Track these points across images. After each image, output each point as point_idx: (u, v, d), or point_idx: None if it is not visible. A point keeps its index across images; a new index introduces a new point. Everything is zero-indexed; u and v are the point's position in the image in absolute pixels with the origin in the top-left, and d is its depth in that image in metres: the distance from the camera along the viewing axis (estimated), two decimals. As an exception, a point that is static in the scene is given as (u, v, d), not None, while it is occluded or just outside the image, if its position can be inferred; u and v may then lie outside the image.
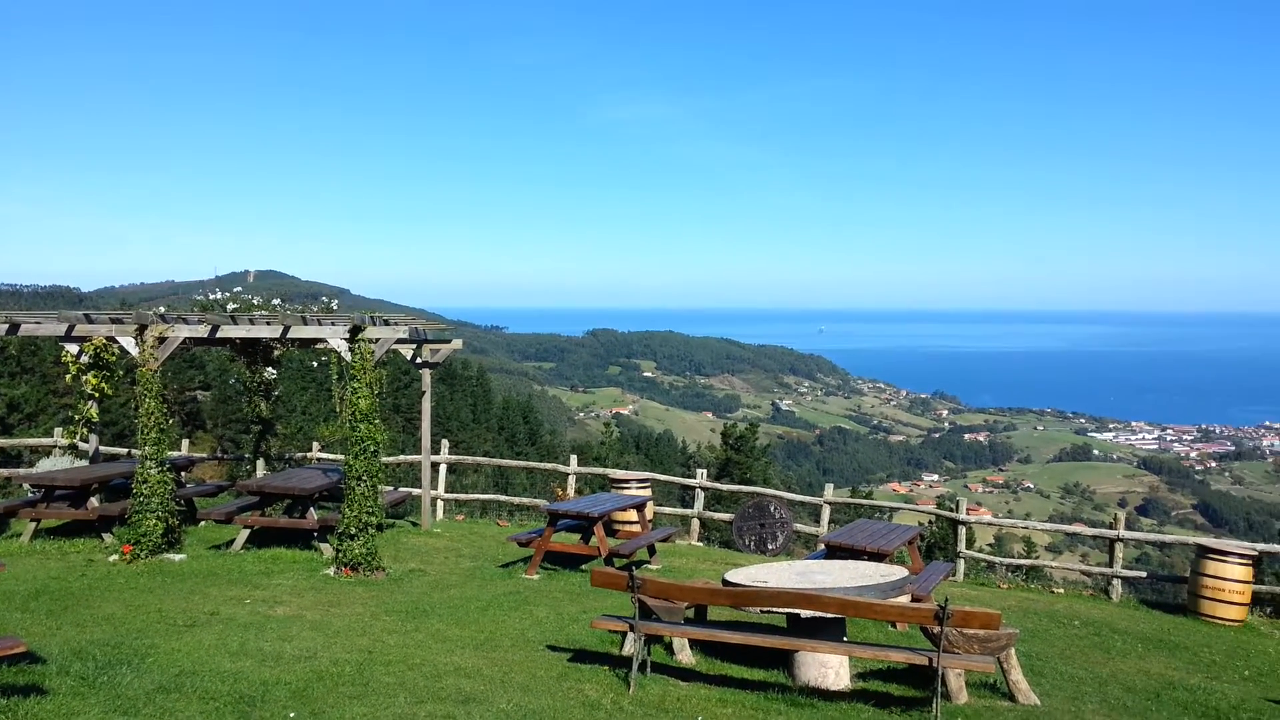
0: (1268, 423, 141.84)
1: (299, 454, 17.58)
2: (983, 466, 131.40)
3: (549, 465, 18.23)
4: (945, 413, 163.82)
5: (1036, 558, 21.14)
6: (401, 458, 17.64)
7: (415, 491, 15.46)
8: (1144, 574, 14.16)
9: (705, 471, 16.80)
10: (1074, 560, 35.50)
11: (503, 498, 18.06)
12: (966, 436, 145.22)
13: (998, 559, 15.15)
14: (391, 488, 15.33)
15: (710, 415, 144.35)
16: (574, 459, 17.02)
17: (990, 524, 19.41)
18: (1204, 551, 12.47)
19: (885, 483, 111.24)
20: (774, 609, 7.18)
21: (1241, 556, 12.17)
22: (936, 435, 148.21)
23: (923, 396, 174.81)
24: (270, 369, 15.07)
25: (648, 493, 15.38)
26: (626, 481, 15.55)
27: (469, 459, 19.04)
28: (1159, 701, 8.00)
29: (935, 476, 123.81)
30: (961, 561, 14.39)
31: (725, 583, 7.78)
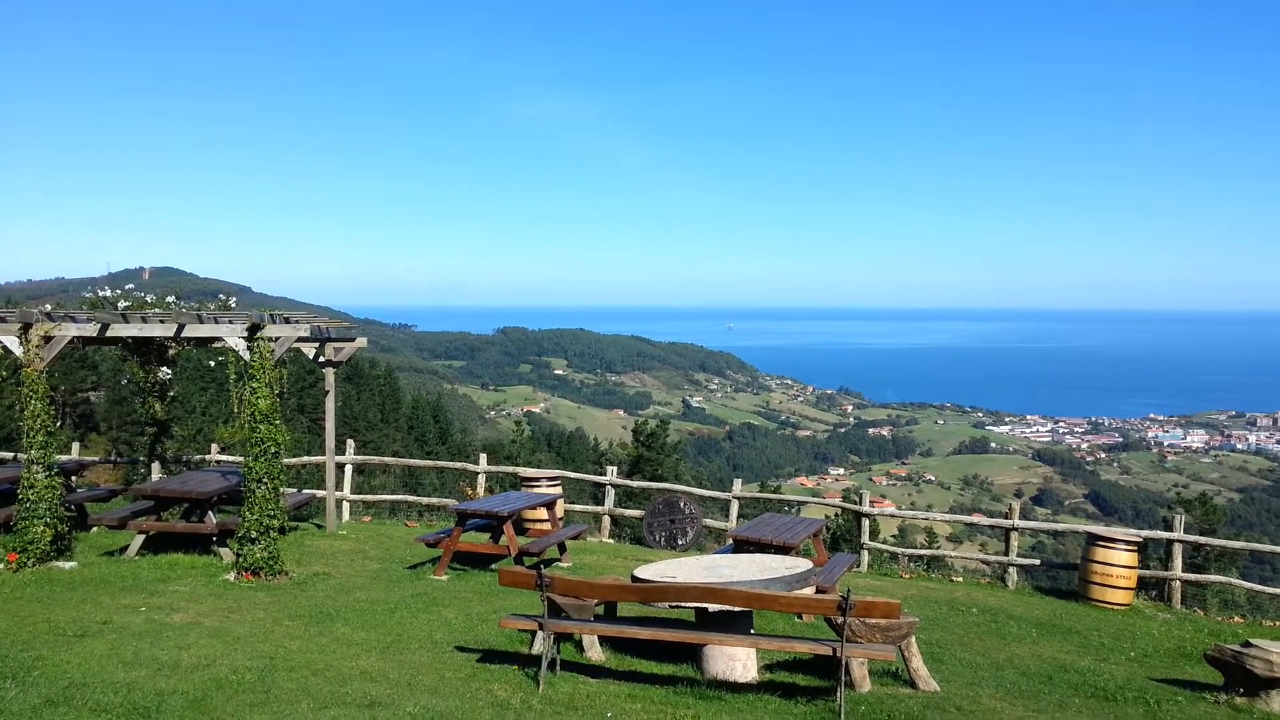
0: (1152, 415, 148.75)
1: (198, 456, 17.06)
2: (886, 460, 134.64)
3: (458, 464, 18.05)
4: (850, 408, 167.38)
5: (938, 548, 21.73)
6: (306, 459, 17.27)
7: (320, 493, 15.14)
8: (1038, 561, 14.73)
9: (616, 469, 16.86)
10: (973, 549, 36.65)
11: (411, 498, 17.82)
12: (871, 431, 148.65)
13: (900, 550, 15.55)
14: (294, 490, 14.98)
15: (621, 413, 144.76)
16: (484, 458, 16.89)
17: (893, 516, 19.91)
18: (1093, 539, 13.02)
19: (793, 477, 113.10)
20: (682, 604, 7.25)
21: (1128, 543, 12.75)
22: (842, 430, 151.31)
23: (828, 392, 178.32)
24: (165, 369, 14.57)
25: (558, 490, 15.35)
26: (537, 479, 15.49)
27: (376, 459, 18.75)
28: (1051, 684, 8.32)
29: (841, 470, 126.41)
30: (865, 553, 14.74)
31: (634, 579, 7.81)
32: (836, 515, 23.37)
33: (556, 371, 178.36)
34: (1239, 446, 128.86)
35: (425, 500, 17.60)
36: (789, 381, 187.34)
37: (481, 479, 16.55)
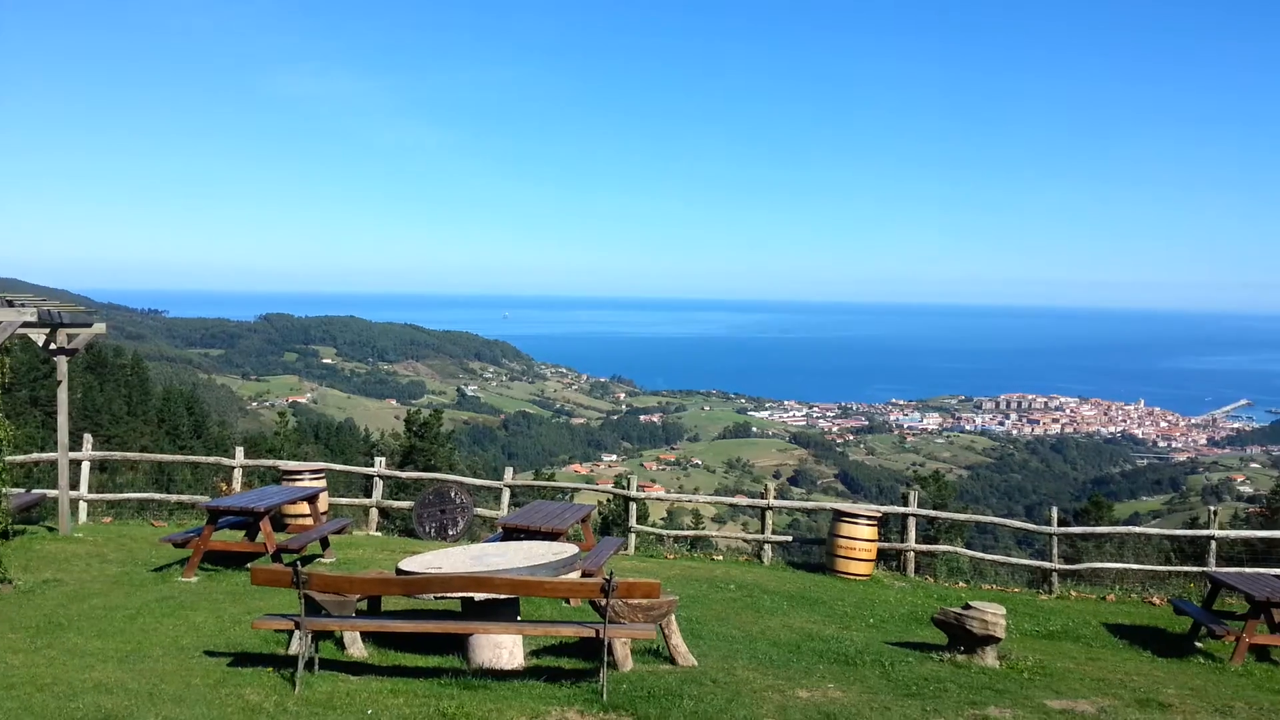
0: (894, 400, 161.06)
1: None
2: (657, 446, 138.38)
3: (213, 459, 17.03)
4: (623, 396, 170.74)
5: (702, 529, 22.68)
6: (37, 455, 15.77)
7: (52, 493, 13.86)
8: (790, 538, 15.66)
9: (385, 460, 16.46)
10: (735, 529, 38.35)
11: (160, 496, 16.67)
12: (642, 418, 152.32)
13: (666, 531, 16.09)
14: (22, 490, 13.67)
15: (394, 402, 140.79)
16: (240, 451, 16.03)
17: (660, 499, 20.58)
18: (839, 515, 13.99)
19: (568, 464, 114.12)
20: (448, 594, 7.20)
21: (869, 518, 13.79)
22: (615, 417, 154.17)
23: (602, 380, 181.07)
24: None
25: (322, 484, 14.82)
26: (299, 473, 14.88)
27: (119, 455, 17.46)
28: (799, 652, 8.91)
29: (614, 457, 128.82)
30: (633, 536, 15.15)
31: (399, 571, 7.69)
32: (607, 501, 23.84)
33: (325, 360, 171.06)
34: (967, 428, 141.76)
35: (176, 498, 16.52)
36: (564, 370, 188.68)
37: (238, 474, 15.70)
